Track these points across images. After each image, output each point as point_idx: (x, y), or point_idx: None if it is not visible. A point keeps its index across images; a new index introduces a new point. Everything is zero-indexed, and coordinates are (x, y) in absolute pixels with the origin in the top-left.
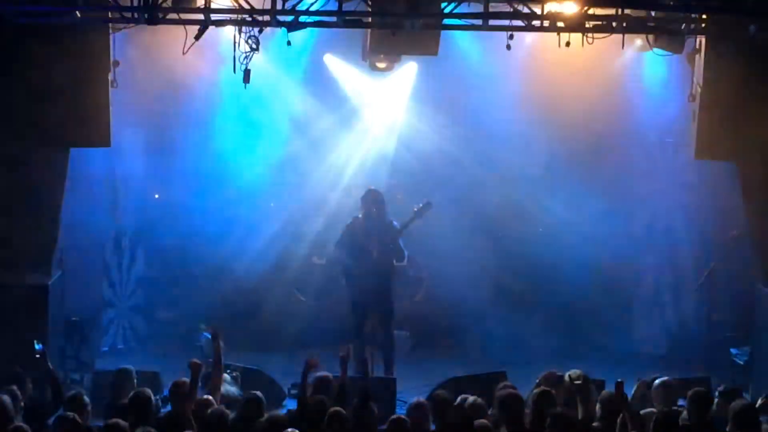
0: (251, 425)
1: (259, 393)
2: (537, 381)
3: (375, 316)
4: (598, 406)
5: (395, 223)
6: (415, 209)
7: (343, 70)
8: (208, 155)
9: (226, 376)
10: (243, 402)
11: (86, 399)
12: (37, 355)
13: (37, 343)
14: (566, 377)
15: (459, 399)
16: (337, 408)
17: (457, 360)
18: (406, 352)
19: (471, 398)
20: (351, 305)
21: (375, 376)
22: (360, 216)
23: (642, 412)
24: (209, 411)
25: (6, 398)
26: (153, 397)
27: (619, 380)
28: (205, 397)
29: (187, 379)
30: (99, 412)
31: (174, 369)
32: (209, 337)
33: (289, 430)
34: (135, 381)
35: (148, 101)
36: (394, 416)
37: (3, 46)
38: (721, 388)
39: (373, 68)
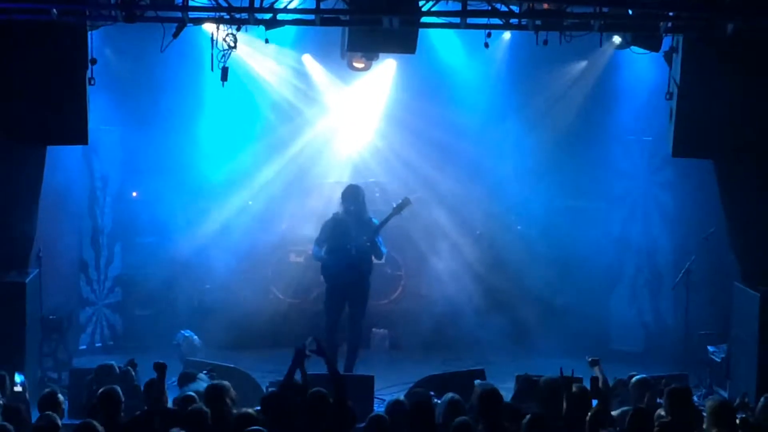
0: (218, 413)
1: (225, 382)
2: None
3: (347, 312)
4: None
5: (374, 219)
6: (394, 206)
7: (322, 69)
8: (185, 153)
9: (202, 375)
10: (205, 391)
11: (61, 397)
12: (19, 388)
13: (18, 374)
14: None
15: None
16: (319, 389)
17: (435, 358)
18: (384, 350)
19: (449, 396)
20: (326, 302)
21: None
22: (339, 212)
23: (619, 410)
24: (189, 408)
25: None
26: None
27: (594, 376)
28: (189, 393)
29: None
30: (77, 410)
31: (151, 367)
32: (186, 334)
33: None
34: (116, 376)
35: (126, 99)
36: (373, 414)
37: None
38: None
39: (351, 68)
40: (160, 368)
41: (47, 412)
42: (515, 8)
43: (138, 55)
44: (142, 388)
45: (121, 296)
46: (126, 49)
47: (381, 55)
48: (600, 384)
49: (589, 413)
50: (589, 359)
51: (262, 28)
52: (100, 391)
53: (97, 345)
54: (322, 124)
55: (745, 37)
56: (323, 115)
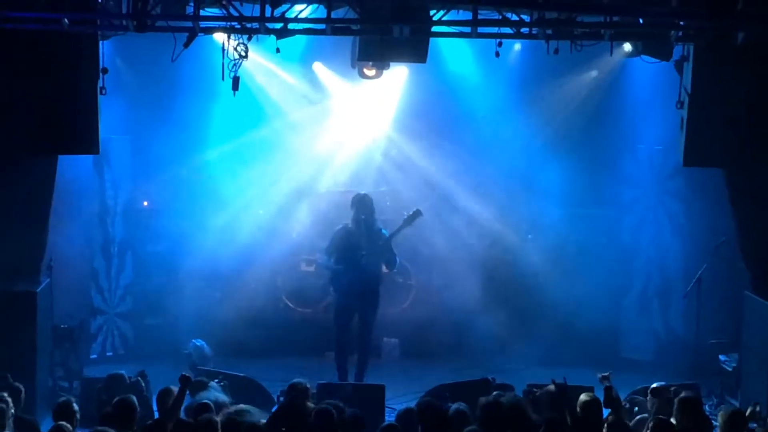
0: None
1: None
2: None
3: (357, 321)
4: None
5: (383, 230)
6: (405, 217)
7: (333, 77)
8: (196, 162)
9: (213, 384)
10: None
11: (75, 406)
12: None
13: None
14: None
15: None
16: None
17: (445, 367)
18: (395, 359)
19: (455, 405)
20: (336, 312)
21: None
22: (349, 222)
23: (635, 419)
24: (199, 418)
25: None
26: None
27: (607, 384)
28: (204, 402)
29: (174, 388)
30: (87, 419)
31: (162, 376)
32: (197, 343)
33: None
34: (126, 386)
35: (137, 108)
36: (385, 424)
37: None
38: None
39: (362, 76)
40: (185, 381)
41: (60, 422)
42: (526, 17)
43: (149, 64)
44: (151, 398)
45: (132, 305)
46: (137, 59)
47: (392, 63)
48: (612, 395)
49: (606, 423)
50: (600, 376)
51: (273, 37)
52: (117, 399)
53: (108, 354)
54: (332, 133)
55: (755, 46)
56: (334, 123)
